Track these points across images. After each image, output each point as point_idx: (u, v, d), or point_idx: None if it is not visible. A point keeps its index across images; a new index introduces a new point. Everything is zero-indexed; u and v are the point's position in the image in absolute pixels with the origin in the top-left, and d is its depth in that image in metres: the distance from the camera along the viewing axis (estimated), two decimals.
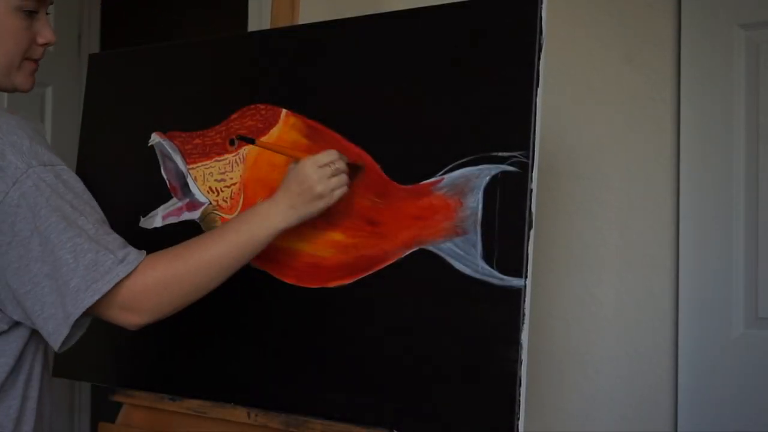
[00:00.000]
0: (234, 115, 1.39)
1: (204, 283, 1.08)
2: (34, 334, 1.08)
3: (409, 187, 1.21)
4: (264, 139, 1.34)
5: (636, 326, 1.69)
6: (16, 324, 1.05)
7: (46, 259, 0.98)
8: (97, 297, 0.98)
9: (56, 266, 0.98)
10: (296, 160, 1.18)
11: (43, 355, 1.13)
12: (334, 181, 1.15)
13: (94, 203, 1.07)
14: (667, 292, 1.67)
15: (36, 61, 1.15)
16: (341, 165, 1.16)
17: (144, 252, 1.05)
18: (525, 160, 1.12)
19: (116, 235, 1.04)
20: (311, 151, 1.23)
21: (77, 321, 0.99)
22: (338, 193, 1.16)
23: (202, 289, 1.08)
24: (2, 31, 1.08)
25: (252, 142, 1.20)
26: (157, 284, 1.03)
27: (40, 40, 1.13)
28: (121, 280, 1.00)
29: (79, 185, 1.06)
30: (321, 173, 1.14)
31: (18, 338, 1.07)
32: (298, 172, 1.14)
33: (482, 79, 1.18)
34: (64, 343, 1.00)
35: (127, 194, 1.51)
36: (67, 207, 1.00)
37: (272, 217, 1.13)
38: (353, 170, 1.22)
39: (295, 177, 1.14)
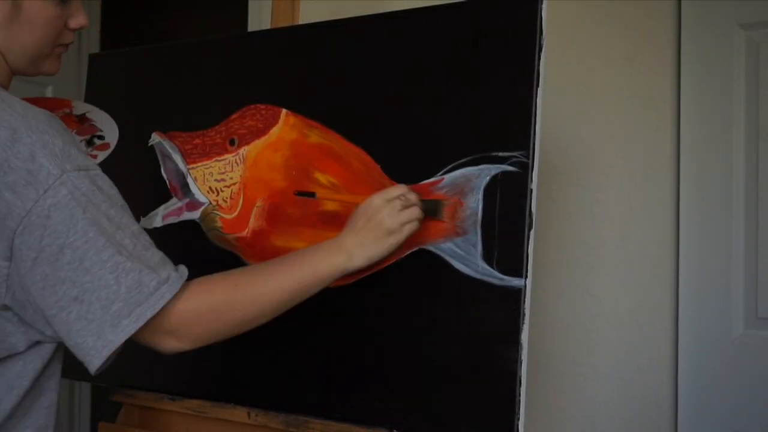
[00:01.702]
0: (234, 115, 1.39)
1: (256, 315, 1.00)
2: (56, 353, 0.99)
3: (410, 187, 1.21)
4: (264, 138, 1.34)
5: (636, 326, 1.69)
6: (35, 343, 0.95)
7: (77, 280, 0.87)
8: (141, 323, 0.89)
9: (91, 288, 0.87)
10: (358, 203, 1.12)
11: (59, 377, 1.02)
12: (405, 214, 1.08)
13: (129, 211, 0.97)
14: (667, 292, 1.67)
15: (66, 45, 1.05)
16: (412, 197, 1.09)
17: (186, 269, 0.96)
18: (525, 160, 1.12)
19: (156, 249, 0.95)
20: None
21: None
22: (409, 228, 1.08)
23: (251, 322, 1.00)
24: (34, 20, 0.98)
25: (312, 195, 1.16)
26: (211, 310, 0.95)
27: (73, 25, 1.03)
28: (168, 303, 0.91)
29: (114, 191, 0.95)
30: (391, 207, 1.07)
31: (37, 358, 0.96)
32: (367, 207, 1.08)
33: (482, 79, 1.18)
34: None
35: (127, 194, 1.51)
36: (104, 219, 0.90)
37: (338, 255, 1.05)
38: (430, 207, 1.15)
39: (364, 212, 1.07)
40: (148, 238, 0.95)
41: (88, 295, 0.87)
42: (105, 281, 0.87)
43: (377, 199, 1.08)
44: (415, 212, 1.09)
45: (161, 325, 0.91)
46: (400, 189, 1.10)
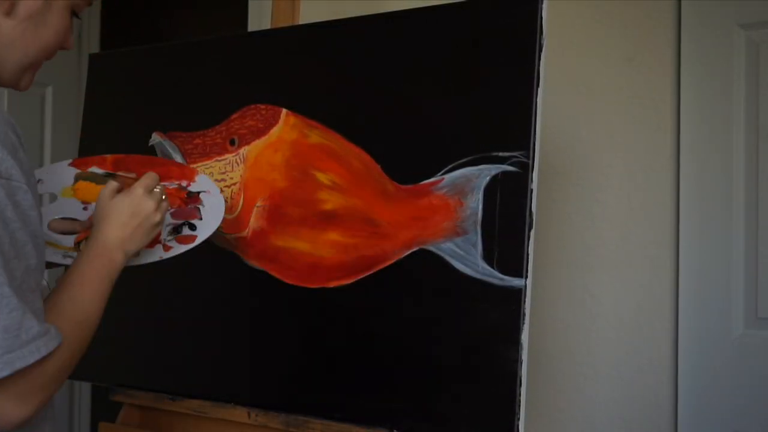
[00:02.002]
0: (234, 115, 1.39)
1: (85, 346, 0.90)
2: None
3: (410, 187, 1.21)
4: (264, 138, 1.34)
5: (636, 326, 1.69)
6: None
7: None
8: (6, 372, 0.75)
9: None
10: (114, 186, 1.06)
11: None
12: (165, 204, 1.08)
13: (38, 242, 0.82)
14: (667, 292, 1.67)
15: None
16: (160, 186, 1.08)
17: (58, 330, 0.83)
18: (525, 160, 1.12)
19: (40, 295, 0.82)
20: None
21: None
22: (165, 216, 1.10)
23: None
24: (51, 25, 0.94)
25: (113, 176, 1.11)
26: (64, 365, 0.83)
27: (68, 44, 1.00)
28: (40, 359, 0.78)
29: (33, 214, 0.81)
30: (155, 200, 1.05)
31: None
32: (132, 200, 1.03)
33: (482, 79, 1.18)
34: None
35: None
36: (6, 240, 0.77)
37: (118, 256, 0.99)
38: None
39: (128, 207, 1.02)
40: (40, 279, 0.83)
41: None
42: None
43: (140, 190, 1.04)
44: (168, 201, 1.09)
45: (14, 384, 0.77)
46: (154, 178, 1.07)
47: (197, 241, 1.23)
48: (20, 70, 0.95)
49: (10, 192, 0.78)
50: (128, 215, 1.02)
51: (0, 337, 0.75)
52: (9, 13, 0.91)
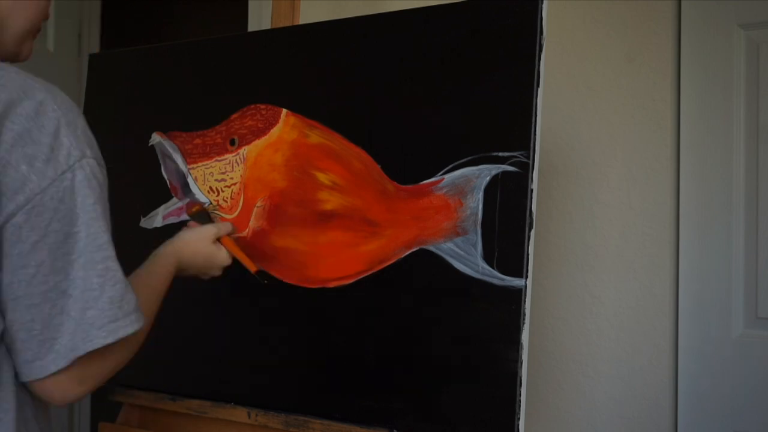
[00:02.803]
0: (235, 115, 1.39)
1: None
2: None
3: (410, 187, 1.21)
4: (265, 138, 1.34)
5: (636, 326, 1.69)
6: None
7: (71, 273, 0.80)
8: (110, 340, 0.81)
9: (80, 285, 0.80)
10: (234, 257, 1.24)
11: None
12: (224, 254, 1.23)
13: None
14: (667, 292, 1.67)
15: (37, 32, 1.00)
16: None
17: None
18: (525, 160, 1.12)
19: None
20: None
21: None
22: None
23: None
24: None
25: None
26: (130, 352, 0.89)
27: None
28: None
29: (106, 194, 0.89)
30: (222, 255, 1.22)
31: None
32: (215, 256, 1.21)
33: (482, 79, 1.18)
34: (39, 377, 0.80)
35: (127, 194, 1.51)
36: (105, 219, 0.84)
37: (175, 269, 1.11)
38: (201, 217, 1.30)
39: (209, 256, 1.20)
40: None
41: (76, 292, 0.80)
42: (90, 284, 0.80)
43: (222, 261, 1.23)
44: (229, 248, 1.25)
45: (91, 359, 0.81)
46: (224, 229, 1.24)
47: None
48: (21, 37, 0.95)
49: (103, 174, 0.86)
50: (204, 259, 1.19)
51: (106, 307, 0.81)
52: None
